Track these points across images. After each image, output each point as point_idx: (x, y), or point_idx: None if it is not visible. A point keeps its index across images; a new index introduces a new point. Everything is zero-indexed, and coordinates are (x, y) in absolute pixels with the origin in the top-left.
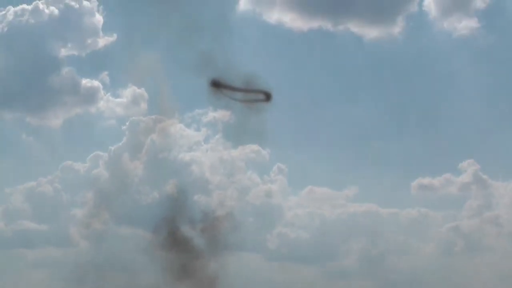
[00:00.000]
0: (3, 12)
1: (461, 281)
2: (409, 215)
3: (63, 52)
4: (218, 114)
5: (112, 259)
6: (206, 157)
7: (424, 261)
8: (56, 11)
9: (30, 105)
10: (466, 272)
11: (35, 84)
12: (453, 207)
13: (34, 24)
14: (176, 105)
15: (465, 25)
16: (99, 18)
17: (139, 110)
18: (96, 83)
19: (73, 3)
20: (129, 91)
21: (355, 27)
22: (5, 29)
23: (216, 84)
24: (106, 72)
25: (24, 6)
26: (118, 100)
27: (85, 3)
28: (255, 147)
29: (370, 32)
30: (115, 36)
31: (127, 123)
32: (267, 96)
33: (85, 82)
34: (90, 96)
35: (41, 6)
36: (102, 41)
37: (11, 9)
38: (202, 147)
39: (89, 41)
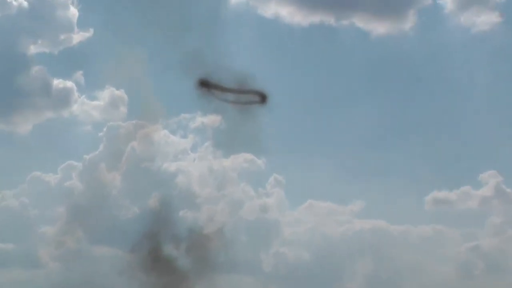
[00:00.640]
0: None
1: None
2: (422, 232)
3: (33, 49)
4: (207, 119)
5: (87, 282)
6: (193, 167)
7: (439, 285)
8: (25, 3)
9: None
10: None
11: (1, 85)
12: (473, 224)
13: (1, 17)
14: (160, 109)
15: (484, 20)
16: (73, 12)
17: (118, 115)
18: (69, 83)
19: None
20: (106, 93)
21: (360, 22)
22: None
23: (205, 85)
24: (81, 72)
25: None
26: (95, 103)
27: None
28: (248, 156)
29: (378, 28)
30: (91, 31)
31: (105, 129)
32: (263, 98)
33: (57, 82)
34: (63, 99)
35: None
36: (77, 37)
37: None
38: (189, 156)
39: (62, 37)
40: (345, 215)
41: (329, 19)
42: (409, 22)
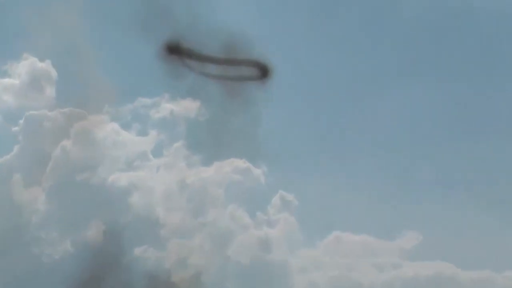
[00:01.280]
0: None
1: None
2: (510, 281)
3: None
4: (178, 106)
5: None
6: (156, 180)
7: None
8: None
9: None
10: None
11: None
12: None
13: None
14: (106, 91)
15: None
16: None
17: (42, 99)
18: None
19: None
20: (24, 66)
21: None
22: None
23: (176, 52)
24: None
25: None
26: (6, 81)
27: None
28: (241, 163)
29: None
30: None
31: (21, 122)
32: (263, 72)
33: None
34: None
35: None
36: None
37: None
38: (151, 162)
39: None
40: (390, 255)
41: None
42: None
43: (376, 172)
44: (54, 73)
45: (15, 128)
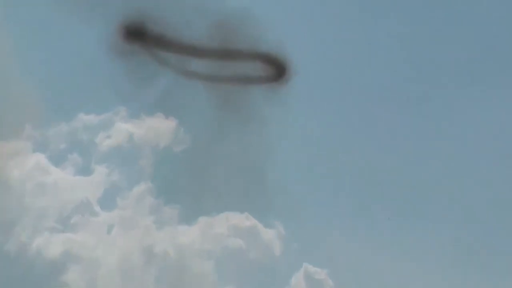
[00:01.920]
0: None
1: None
2: None
3: None
4: (140, 128)
5: None
6: (107, 246)
7: None
8: None
9: None
10: None
11: None
12: None
13: None
14: (28, 103)
15: None
16: None
17: None
18: None
19: None
20: None
21: None
22: None
23: (140, 37)
24: None
25: None
26: None
27: None
28: (242, 219)
29: None
30: None
31: None
32: (276, 71)
33: None
34: None
35: None
36: None
37: None
38: (98, 218)
39: None
40: None
41: None
42: None
43: (440, 235)
44: None
45: None
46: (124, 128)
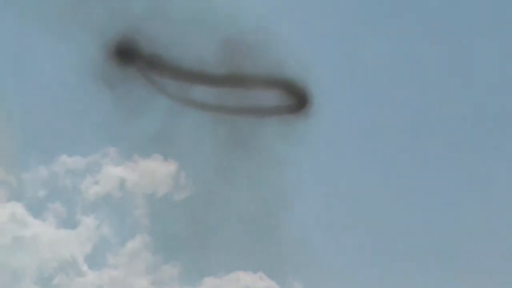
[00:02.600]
0: None
1: None
2: None
3: None
4: (134, 172)
5: None
6: None
7: None
8: None
9: None
10: None
11: None
12: None
13: None
14: (3, 144)
15: None
16: None
17: None
18: None
19: None
20: None
21: None
22: None
23: (132, 59)
24: None
25: None
26: None
27: None
28: (255, 280)
29: None
30: None
31: None
32: (297, 102)
33: None
34: None
35: None
36: None
37: None
38: (84, 278)
39: None
40: None
41: None
42: None
43: None
44: None
45: None
46: (115, 173)
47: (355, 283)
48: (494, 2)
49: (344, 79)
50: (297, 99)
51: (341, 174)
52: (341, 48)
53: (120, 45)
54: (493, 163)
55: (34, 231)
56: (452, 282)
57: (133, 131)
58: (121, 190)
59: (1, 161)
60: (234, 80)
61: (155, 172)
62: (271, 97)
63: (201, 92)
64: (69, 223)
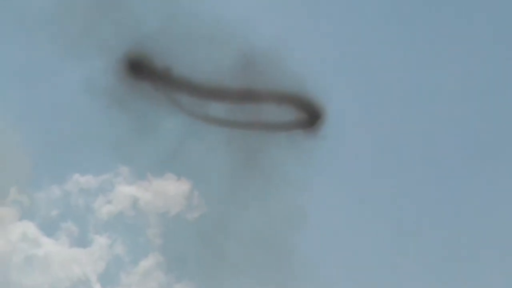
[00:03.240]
0: None
1: None
2: None
3: None
4: (147, 191)
5: None
6: None
7: None
8: None
9: None
10: None
11: None
12: None
13: None
14: (15, 162)
15: None
16: None
17: None
18: None
19: None
20: None
21: None
22: None
23: (146, 72)
24: None
25: None
26: None
27: None
28: None
29: None
30: None
31: None
32: (310, 119)
33: None
34: None
35: None
36: None
37: None
38: None
39: None
40: None
41: None
42: None
43: None
44: None
45: None
46: (128, 192)
47: None
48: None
49: (358, 95)
50: (310, 115)
51: (355, 193)
52: (355, 63)
53: (133, 60)
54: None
55: (47, 250)
56: None
57: (146, 151)
58: (134, 209)
59: (13, 181)
60: (247, 95)
61: (168, 191)
62: (284, 113)
63: (214, 107)
64: (81, 242)
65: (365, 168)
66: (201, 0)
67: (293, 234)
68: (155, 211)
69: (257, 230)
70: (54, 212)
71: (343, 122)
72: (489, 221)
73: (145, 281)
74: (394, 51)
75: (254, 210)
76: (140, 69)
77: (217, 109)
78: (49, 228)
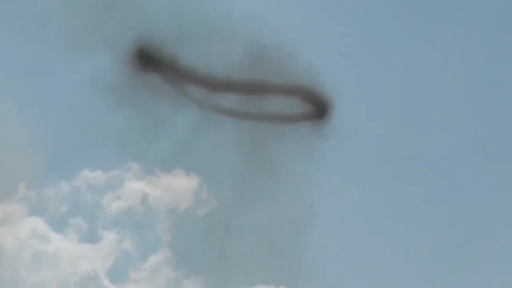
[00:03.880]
0: None
1: None
2: None
3: None
4: (156, 187)
5: None
6: None
7: None
8: None
9: None
10: None
11: None
12: None
13: None
14: (24, 157)
15: None
16: None
17: None
18: None
19: None
20: None
21: None
22: None
23: (156, 64)
24: None
25: None
26: None
27: None
28: None
29: None
30: None
31: None
32: (316, 110)
33: None
34: None
35: None
36: None
37: None
38: None
39: None
40: None
41: None
42: None
43: None
44: None
45: None
46: (136, 188)
47: None
48: None
49: (367, 90)
50: (318, 108)
51: (363, 191)
52: (366, 57)
53: (142, 49)
54: None
55: (56, 246)
56: None
57: (155, 146)
58: (143, 205)
59: (22, 177)
60: (255, 87)
61: (177, 187)
62: (293, 105)
63: (225, 99)
64: (90, 238)
65: (372, 165)
66: None
67: (302, 231)
68: (164, 207)
69: (266, 227)
70: (63, 208)
71: (351, 117)
72: (496, 222)
73: (153, 277)
74: (405, 48)
75: (263, 207)
76: (149, 59)
77: (226, 100)
78: (58, 224)
